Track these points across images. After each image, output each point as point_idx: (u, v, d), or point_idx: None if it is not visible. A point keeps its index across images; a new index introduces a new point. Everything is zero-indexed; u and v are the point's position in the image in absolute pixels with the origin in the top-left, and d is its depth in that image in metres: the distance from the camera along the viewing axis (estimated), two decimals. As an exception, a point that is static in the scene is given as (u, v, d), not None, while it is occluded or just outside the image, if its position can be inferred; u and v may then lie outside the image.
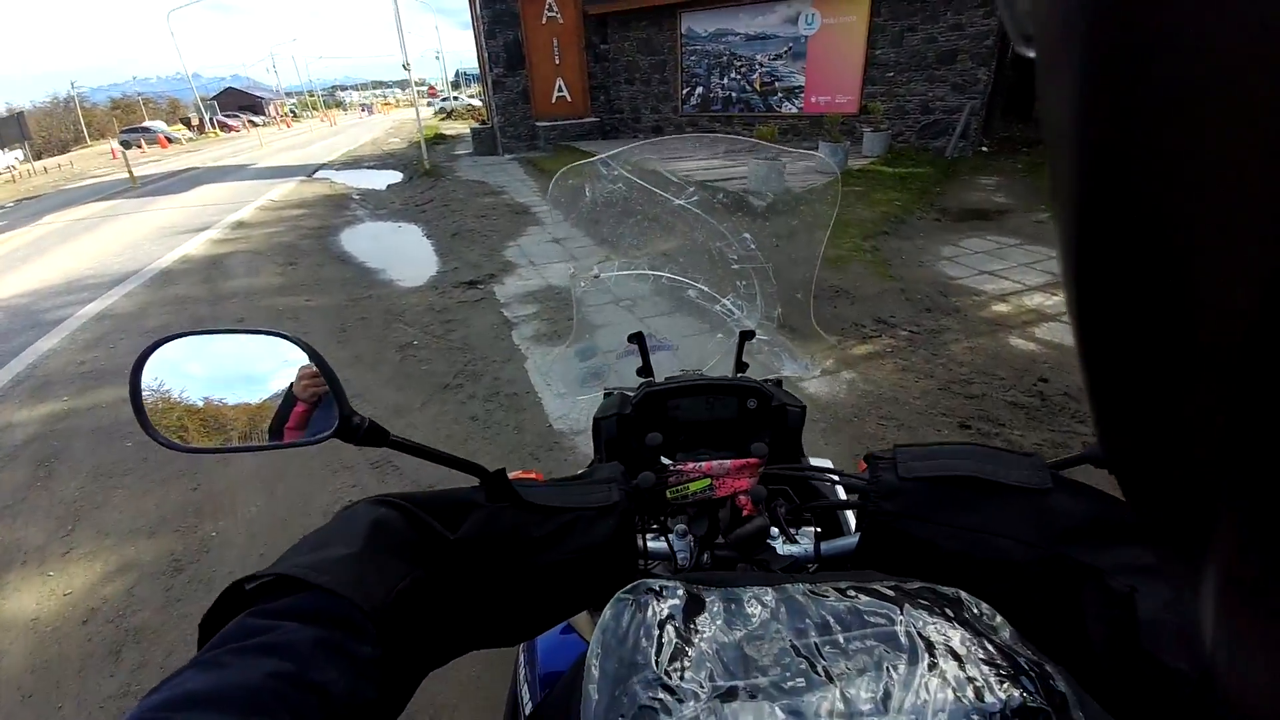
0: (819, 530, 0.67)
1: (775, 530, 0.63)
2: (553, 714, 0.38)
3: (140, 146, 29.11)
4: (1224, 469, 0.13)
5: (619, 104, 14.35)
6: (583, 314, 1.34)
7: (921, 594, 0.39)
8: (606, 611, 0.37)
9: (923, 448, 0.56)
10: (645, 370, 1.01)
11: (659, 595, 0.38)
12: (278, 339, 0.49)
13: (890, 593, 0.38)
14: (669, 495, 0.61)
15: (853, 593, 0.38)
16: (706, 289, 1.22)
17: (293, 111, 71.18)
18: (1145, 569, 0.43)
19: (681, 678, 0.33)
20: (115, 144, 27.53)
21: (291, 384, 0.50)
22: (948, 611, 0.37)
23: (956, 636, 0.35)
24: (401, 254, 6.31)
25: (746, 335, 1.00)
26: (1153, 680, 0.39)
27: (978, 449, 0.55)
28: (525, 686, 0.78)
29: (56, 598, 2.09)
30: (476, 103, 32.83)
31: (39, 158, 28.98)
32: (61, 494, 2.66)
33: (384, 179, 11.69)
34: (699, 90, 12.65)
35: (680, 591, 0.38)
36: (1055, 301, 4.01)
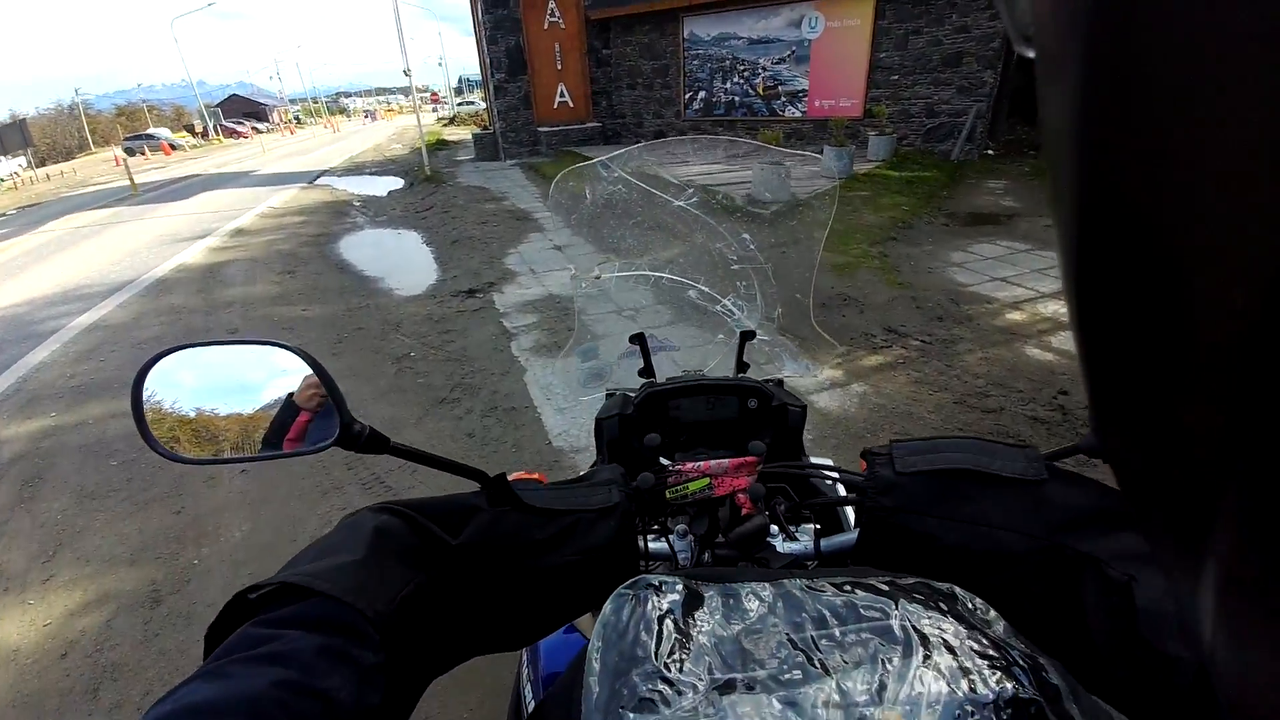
0: (819, 527, 0.68)
1: (775, 528, 0.64)
2: (555, 707, 0.38)
3: (144, 153, 29.25)
4: (1224, 469, 0.13)
5: (621, 109, 14.28)
6: (584, 322, 1.33)
7: (916, 589, 0.39)
8: (607, 606, 0.38)
9: (919, 442, 0.56)
10: (647, 371, 1.01)
11: (659, 590, 0.39)
12: (277, 349, 0.50)
13: (885, 587, 0.39)
14: (669, 495, 0.62)
15: (849, 588, 0.39)
16: (707, 289, 1.22)
17: (296, 118, 71.57)
18: (1143, 557, 0.43)
19: (680, 670, 0.33)
20: (119, 151, 27.68)
21: (292, 393, 0.50)
22: (942, 606, 0.37)
23: (950, 630, 0.35)
24: (401, 262, 6.25)
25: (747, 336, 1.00)
26: (1152, 668, 0.39)
27: (974, 442, 0.55)
28: (528, 686, 0.79)
29: (36, 629, 2.02)
30: (480, 107, 33.03)
31: (42, 164, 29.03)
32: (44, 516, 2.58)
33: (385, 185, 11.67)
34: (702, 95, 12.57)
35: (679, 587, 0.39)
36: (1071, 310, 3.90)
